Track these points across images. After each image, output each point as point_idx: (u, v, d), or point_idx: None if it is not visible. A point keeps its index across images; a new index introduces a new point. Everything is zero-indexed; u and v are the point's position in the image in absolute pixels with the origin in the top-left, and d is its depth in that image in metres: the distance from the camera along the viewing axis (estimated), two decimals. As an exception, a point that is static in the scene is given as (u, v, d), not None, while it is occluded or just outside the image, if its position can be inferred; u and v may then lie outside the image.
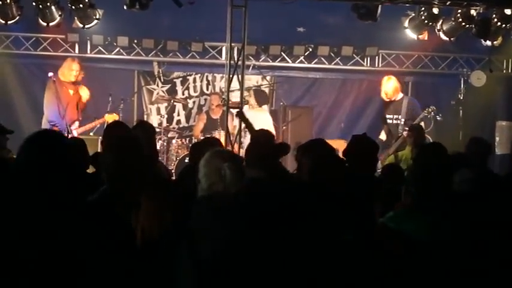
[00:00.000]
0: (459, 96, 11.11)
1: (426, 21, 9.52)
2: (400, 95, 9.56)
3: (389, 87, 9.52)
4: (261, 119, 9.86)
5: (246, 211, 3.17)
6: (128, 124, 6.08)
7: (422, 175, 3.38)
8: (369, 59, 11.61)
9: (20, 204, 2.47)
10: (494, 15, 9.29)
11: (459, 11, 9.27)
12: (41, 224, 2.43)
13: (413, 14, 9.79)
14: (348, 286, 2.66)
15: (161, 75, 11.43)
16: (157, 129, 9.96)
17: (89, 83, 9.93)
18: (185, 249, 3.07)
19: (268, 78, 11.59)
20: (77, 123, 9.53)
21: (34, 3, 8.82)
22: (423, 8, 9.44)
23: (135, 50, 11.18)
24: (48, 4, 8.85)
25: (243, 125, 8.37)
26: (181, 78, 11.69)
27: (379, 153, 5.96)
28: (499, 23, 9.29)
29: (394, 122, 9.40)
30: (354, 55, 11.47)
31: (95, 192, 3.40)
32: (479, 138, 6.17)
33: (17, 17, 9.12)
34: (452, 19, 9.43)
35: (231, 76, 8.51)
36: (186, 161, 9.45)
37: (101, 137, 8.87)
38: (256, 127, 9.57)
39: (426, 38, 10.30)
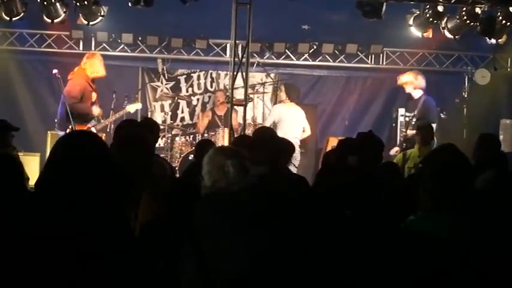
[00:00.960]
0: (463, 94, 11.08)
1: (431, 19, 9.51)
2: (419, 93, 9.52)
3: (403, 78, 9.63)
4: (294, 114, 9.66)
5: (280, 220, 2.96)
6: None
7: (441, 174, 3.32)
8: (373, 56, 11.61)
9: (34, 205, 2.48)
10: (498, 13, 9.29)
11: (464, 9, 9.25)
12: (49, 224, 2.44)
13: (418, 12, 9.77)
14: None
15: (165, 72, 11.41)
16: (161, 127, 9.95)
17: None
18: (189, 248, 3.04)
19: (272, 75, 11.58)
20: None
21: (39, 0, 8.83)
22: (428, 6, 9.43)
23: (139, 47, 11.19)
24: (53, 1, 8.87)
25: (247, 122, 8.34)
26: (185, 76, 11.68)
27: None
28: (503, 21, 9.29)
29: (406, 119, 9.41)
30: (359, 53, 11.47)
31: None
32: (490, 135, 6.20)
33: (22, 14, 9.14)
34: (457, 17, 9.42)
35: (235, 73, 8.50)
36: (190, 158, 9.45)
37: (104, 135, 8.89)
38: (290, 122, 9.58)
39: (431, 36, 10.26)
